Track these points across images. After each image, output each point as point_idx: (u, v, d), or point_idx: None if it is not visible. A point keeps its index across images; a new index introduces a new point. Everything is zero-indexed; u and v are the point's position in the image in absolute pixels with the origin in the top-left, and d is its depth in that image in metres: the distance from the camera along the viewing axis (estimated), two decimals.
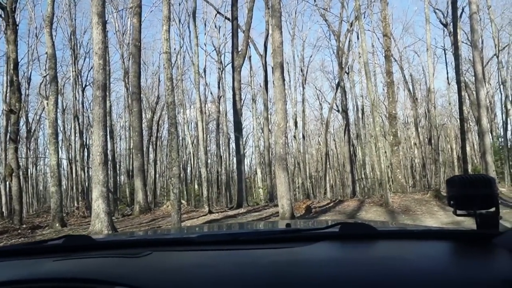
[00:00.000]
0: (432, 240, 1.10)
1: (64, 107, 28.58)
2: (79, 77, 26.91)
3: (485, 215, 1.05)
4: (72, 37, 25.71)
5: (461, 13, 21.71)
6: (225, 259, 0.99)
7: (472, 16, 15.56)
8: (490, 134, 24.29)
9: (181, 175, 24.03)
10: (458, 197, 1.05)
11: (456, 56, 17.42)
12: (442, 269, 0.83)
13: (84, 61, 28.05)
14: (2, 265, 1.10)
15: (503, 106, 26.51)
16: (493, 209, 1.04)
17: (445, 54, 29.16)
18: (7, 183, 13.79)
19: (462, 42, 23.07)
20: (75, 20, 26.36)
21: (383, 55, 19.02)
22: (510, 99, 26.32)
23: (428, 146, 27.91)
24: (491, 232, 1.01)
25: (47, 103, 12.83)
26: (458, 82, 16.99)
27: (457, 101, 17.93)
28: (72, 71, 25.70)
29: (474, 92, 19.30)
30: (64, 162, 27.33)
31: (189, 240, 1.22)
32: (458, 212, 1.06)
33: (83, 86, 27.38)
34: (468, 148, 21.97)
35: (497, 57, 25.80)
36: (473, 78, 18.06)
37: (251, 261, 0.94)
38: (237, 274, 0.86)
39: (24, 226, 12.83)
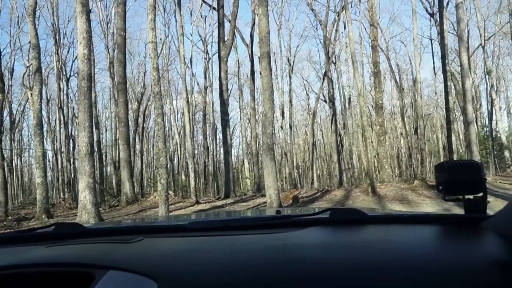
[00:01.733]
0: (421, 224, 1.11)
1: (49, 98, 28.09)
2: (64, 67, 26.44)
3: (473, 200, 1.06)
4: (55, 27, 25.20)
5: (448, 3, 21.76)
6: (217, 245, 0.99)
7: (458, 5, 15.62)
8: (475, 124, 24.43)
9: (168, 166, 23.99)
10: (447, 182, 1.06)
11: (442, 46, 17.42)
12: (431, 251, 0.84)
13: (68, 51, 27.56)
14: None
15: (488, 96, 26.73)
16: (480, 194, 1.05)
17: (432, 44, 29.43)
18: None
19: (449, 32, 23.13)
20: (57, 9, 25.79)
21: (370, 45, 19.01)
22: (495, 89, 26.55)
23: (414, 136, 28.09)
24: (479, 216, 1.02)
25: (31, 94, 12.62)
26: (444, 72, 17.04)
27: (443, 91, 18.04)
28: (56, 61, 25.23)
29: (460, 82, 19.45)
30: (50, 153, 27.00)
31: (181, 227, 1.21)
32: (447, 197, 1.07)
33: (68, 76, 26.92)
34: (453, 138, 22.24)
35: (483, 47, 25.88)
36: (459, 68, 18.20)
37: (243, 246, 0.95)
38: (230, 259, 0.86)
39: (10, 217, 12.69)
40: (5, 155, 19.67)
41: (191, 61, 29.49)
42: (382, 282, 0.71)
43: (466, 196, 1.06)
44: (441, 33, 18.07)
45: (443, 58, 17.16)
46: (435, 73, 29.93)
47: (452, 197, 1.07)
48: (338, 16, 24.34)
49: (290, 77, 30.16)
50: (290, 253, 0.86)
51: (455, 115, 31.00)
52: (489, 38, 27.75)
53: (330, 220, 1.15)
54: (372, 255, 0.82)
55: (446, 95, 17.02)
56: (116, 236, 1.15)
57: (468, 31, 26.64)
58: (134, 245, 1.01)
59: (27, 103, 25.68)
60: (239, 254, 0.89)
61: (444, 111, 19.96)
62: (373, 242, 0.94)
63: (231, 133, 28.83)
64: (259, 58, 17.23)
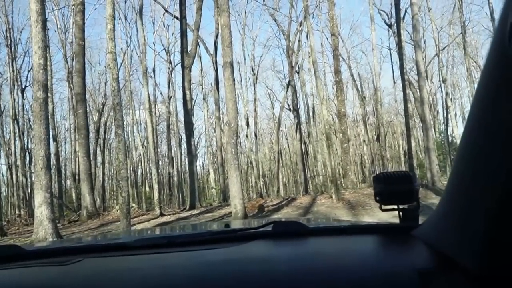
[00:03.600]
0: (358, 234, 1.16)
1: (2, 109, 26.81)
2: (18, 77, 25.35)
3: (407, 209, 1.11)
4: (8, 35, 24.16)
5: (404, 14, 22.48)
6: (155, 262, 0.99)
7: (414, 17, 16.27)
8: (433, 130, 25.52)
9: (131, 177, 23.40)
10: (383, 193, 1.10)
11: (400, 55, 18.04)
12: (361, 262, 0.87)
13: (23, 60, 26.50)
14: None
15: (444, 103, 27.70)
16: (414, 204, 1.10)
17: (391, 53, 30.14)
18: None
19: (406, 42, 24.03)
20: (12, 16, 24.85)
21: (332, 54, 19.50)
22: (451, 97, 27.63)
23: (377, 142, 28.64)
24: (410, 225, 1.06)
25: None
26: (403, 80, 17.57)
27: (402, 99, 18.55)
28: (10, 71, 24.15)
29: (418, 90, 20.12)
30: (4, 168, 25.68)
31: (123, 245, 1.21)
32: (383, 207, 1.12)
33: (23, 87, 25.79)
34: (413, 144, 22.94)
35: (438, 56, 26.91)
36: (417, 76, 18.78)
37: (182, 262, 0.96)
38: (164, 276, 0.86)
39: None
40: None
41: (154, 71, 29.10)
42: None
43: (401, 206, 1.10)
44: (399, 43, 18.79)
45: (401, 67, 17.76)
46: (394, 82, 30.93)
47: (388, 206, 1.10)
48: (300, 26, 24.74)
49: (254, 86, 30.30)
50: (228, 268, 0.88)
51: (415, 121, 31.38)
52: (444, 48, 28.91)
53: (272, 233, 1.18)
54: (309, 267, 0.85)
55: (405, 102, 17.48)
56: (56, 258, 1.12)
57: (424, 41, 27.93)
58: (70, 266, 1.00)
59: None
60: (175, 270, 0.90)
61: (404, 118, 20.75)
62: (311, 254, 0.97)
63: (196, 143, 28.59)
64: (222, 67, 17.29)
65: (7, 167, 25.59)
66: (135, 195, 23.76)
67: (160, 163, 28.09)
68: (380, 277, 0.77)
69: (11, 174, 25.51)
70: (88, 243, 1.61)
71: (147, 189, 27.22)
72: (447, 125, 27.87)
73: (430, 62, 29.99)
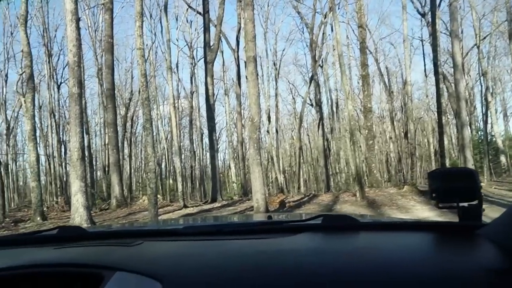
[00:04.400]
0: (414, 231, 1.09)
1: (41, 104, 28.19)
2: (55, 74, 26.58)
3: (468, 208, 1.04)
4: (45, 35, 25.29)
5: (440, 2, 20.34)
6: (211, 249, 1.01)
7: (452, 4, 15.07)
8: (469, 127, 23.09)
9: (156, 170, 24.05)
10: (441, 190, 1.05)
11: (434, 46, 16.69)
12: (424, 259, 0.84)
13: (59, 58, 27.71)
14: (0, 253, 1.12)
15: (483, 98, 25.29)
16: (475, 202, 1.03)
17: (423, 45, 27.82)
18: None
19: (441, 32, 22.16)
20: (48, 17, 25.94)
21: (358, 47, 18.12)
22: (491, 91, 25.01)
23: (404, 140, 27.16)
24: (473, 224, 1.00)
25: (25, 101, 12.88)
26: (436, 74, 16.28)
27: (435, 93, 17.21)
28: (47, 69, 25.36)
29: (452, 84, 18.69)
30: (43, 158, 27.03)
31: (177, 231, 1.24)
32: (440, 205, 1.07)
33: (59, 83, 27.05)
34: (446, 142, 21.12)
35: (478, 47, 24.11)
36: (452, 69, 17.50)
37: (236, 251, 0.97)
38: (223, 263, 0.88)
39: (7, 219, 13.04)
40: (1, 160, 19.84)
41: (177, 66, 29.66)
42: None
43: (461, 204, 1.05)
44: (433, 33, 17.23)
45: (435, 59, 16.43)
46: (426, 75, 29.09)
47: (446, 204, 1.06)
48: (324, 18, 23.92)
49: (276, 81, 30.08)
50: (281, 259, 0.87)
51: (448, 118, 29.40)
52: (485, 37, 25.81)
53: (322, 226, 1.16)
54: (366, 262, 0.82)
55: (438, 97, 16.30)
56: (117, 239, 1.18)
57: (462, 31, 24.97)
58: (135, 248, 1.05)
59: (21, 109, 25.80)
60: (231, 258, 0.91)
61: (436, 114, 18.98)
62: (366, 249, 0.94)
63: (217, 138, 29.05)
64: (245, 62, 17.40)
65: (46, 158, 26.94)
66: (160, 187, 24.44)
67: (182, 156, 28.73)
68: (444, 275, 0.73)
69: (49, 164, 26.91)
70: (145, 228, 1.67)
71: (171, 181, 27.93)
72: (486, 122, 25.25)
73: (467, 54, 27.37)
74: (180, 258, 0.95)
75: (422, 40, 27.80)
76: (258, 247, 0.99)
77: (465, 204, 1.05)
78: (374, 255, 0.86)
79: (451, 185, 1.04)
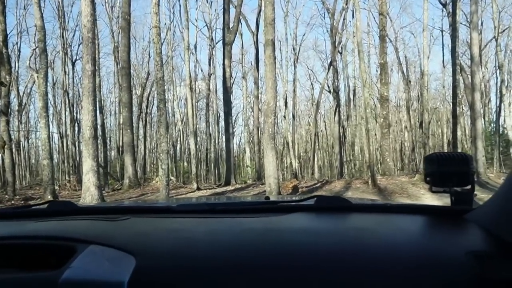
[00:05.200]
0: (405, 214, 1.10)
1: (54, 81, 28.23)
2: (69, 50, 26.52)
3: (460, 193, 1.05)
4: (60, 9, 25.19)
5: None
6: (200, 226, 1.00)
7: None
8: (482, 119, 23.47)
9: (170, 151, 24.08)
10: (435, 174, 1.05)
11: (454, 37, 16.53)
12: (408, 240, 0.86)
13: (74, 34, 27.57)
14: None
15: (498, 91, 25.61)
16: (468, 187, 1.04)
17: (442, 35, 28.18)
18: (0, 155, 13.79)
19: (461, 23, 22.22)
20: None
21: (378, 35, 18.67)
22: (506, 84, 25.27)
23: (419, 129, 27.32)
24: (462, 208, 1.01)
25: (37, 77, 12.72)
26: (454, 65, 16.33)
27: (451, 84, 17.20)
28: (62, 45, 25.31)
29: (469, 76, 18.58)
30: (55, 136, 27.27)
31: (167, 209, 1.24)
32: (434, 189, 1.07)
33: (73, 60, 27.00)
34: (459, 133, 21.52)
35: (496, 40, 24.51)
36: (470, 61, 17.52)
37: (225, 228, 0.97)
38: (210, 239, 0.88)
39: (18, 197, 13.10)
40: (13, 137, 19.97)
41: (195, 48, 29.42)
42: (361, 267, 0.73)
43: (454, 189, 1.05)
44: (453, 24, 17.03)
45: (453, 50, 16.31)
46: (444, 66, 29.14)
47: (439, 188, 1.06)
48: (346, 4, 23.78)
49: (295, 66, 29.79)
50: (271, 236, 0.88)
51: (463, 109, 29.64)
52: (504, 30, 26.31)
53: (315, 207, 1.17)
54: (353, 242, 0.84)
55: (454, 88, 16.20)
56: (105, 215, 1.18)
57: (482, 23, 25.40)
58: (119, 223, 1.05)
59: (33, 85, 25.91)
60: (220, 235, 0.91)
61: (451, 105, 19.02)
62: (355, 229, 0.95)
63: (233, 121, 28.89)
64: (264, 45, 17.11)
65: (59, 136, 27.15)
66: (174, 169, 24.54)
67: (198, 139, 28.72)
68: (430, 257, 0.74)
69: (62, 142, 27.10)
70: (134, 204, 1.67)
71: (185, 163, 28.02)
72: (499, 114, 25.68)
73: (486, 46, 27.59)
74: (163, 233, 0.95)
75: (442, 31, 27.91)
76: (249, 225, 0.98)
77: (458, 189, 1.05)
78: (364, 236, 0.88)
79: (445, 169, 1.04)
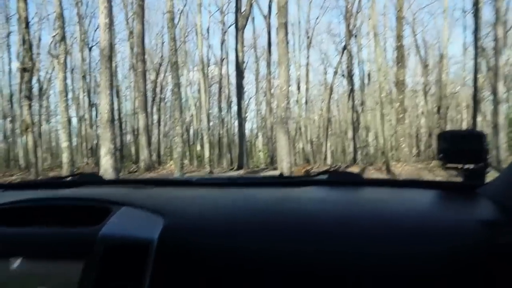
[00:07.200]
0: (416, 188, 1.13)
1: (73, 67, 28.74)
2: (86, 37, 26.89)
3: (473, 169, 1.04)
4: None
5: None
6: (223, 194, 1.08)
7: None
8: (505, 105, 23.01)
9: (184, 136, 24.40)
10: (448, 151, 1.07)
11: (476, 18, 15.97)
12: (422, 208, 0.89)
13: (90, 21, 27.84)
14: (23, 193, 1.21)
15: None
16: (481, 164, 1.03)
17: (464, 17, 27.45)
18: (23, 138, 14.31)
19: (484, 2, 20.70)
20: None
21: (395, 17, 18.06)
22: None
23: (437, 115, 26.66)
24: (474, 183, 1.02)
25: (57, 63, 13.13)
26: (476, 48, 15.68)
27: (473, 68, 16.61)
28: (79, 31, 25.66)
29: (492, 59, 17.67)
30: (74, 120, 27.90)
31: (188, 181, 1.33)
32: (447, 165, 1.08)
33: (90, 46, 27.40)
34: (479, 119, 21.05)
35: None
36: (493, 43, 16.46)
37: (245, 197, 1.04)
38: (232, 205, 0.95)
39: (41, 177, 13.54)
40: (35, 120, 20.58)
41: (208, 32, 29.29)
42: (375, 233, 0.76)
43: (467, 166, 1.06)
44: (476, 4, 16.36)
45: (476, 31, 15.70)
46: (465, 49, 28.17)
47: (452, 165, 1.07)
48: None
49: (308, 50, 29.18)
50: (288, 203, 0.94)
51: (484, 94, 29.59)
52: None
53: (328, 181, 1.22)
54: (367, 209, 0.87)
55: (475, 72, 15.72)
56: (131, 185, 1.30)
57: (508, 2, 23.75)
58: (146, 190, 1.16)
59: (53, 71, 26.39)
60: (240, 202, 0.98)
61: (472, 90, 18.28)
62: (367, 200, 0.99)
63: (246, 106, 28.96)
64: (276, 29, 17.00)
65: (77, 119, 27.82)
66: (187, 153, 24.87)
67: (210, 123, 28.93)
68: (441, 226, 0.77)
69: (80, 126, 27.80)
70: (157, 177, 1.87)
71: (198, 148, 28.35)
72: None
73: (511, 28, 26.89)
74: (189, 199, 1.02)
75: (464, 11, 26.71)
76: (266, 193, 1.07)
77: (471, 166, 1.05)
78: (377, 206, 0.90)
79: (459, 146, 1.06)
